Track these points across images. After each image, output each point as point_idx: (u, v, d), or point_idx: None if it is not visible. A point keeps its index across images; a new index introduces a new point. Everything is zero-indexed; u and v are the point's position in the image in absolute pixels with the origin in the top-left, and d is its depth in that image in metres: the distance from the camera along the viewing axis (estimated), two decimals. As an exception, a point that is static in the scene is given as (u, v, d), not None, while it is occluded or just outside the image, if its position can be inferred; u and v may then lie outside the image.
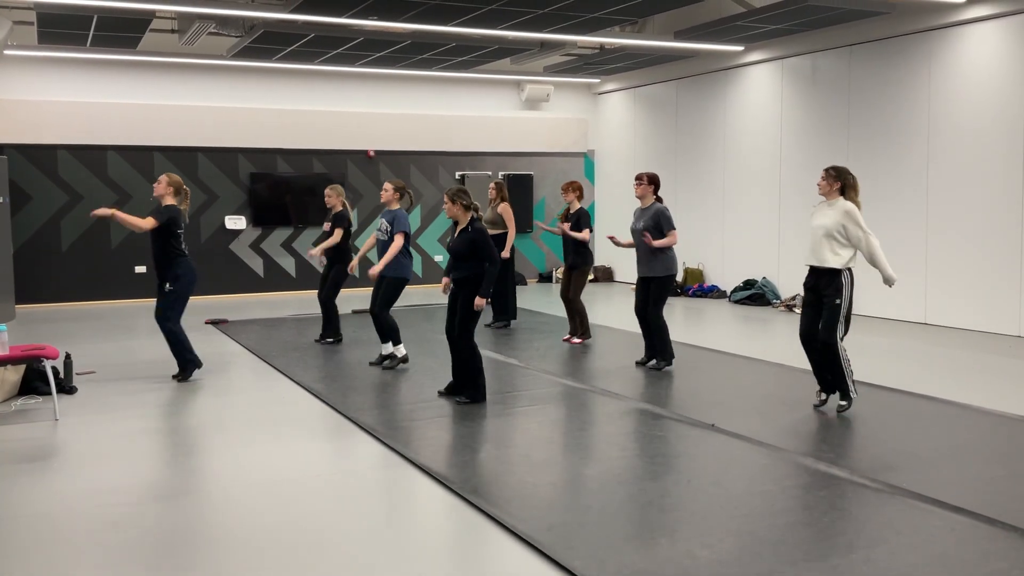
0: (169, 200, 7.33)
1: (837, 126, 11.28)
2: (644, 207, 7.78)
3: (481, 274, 6.36)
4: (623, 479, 4.82)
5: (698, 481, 4.76)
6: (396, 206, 8.03)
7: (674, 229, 7.63)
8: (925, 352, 8.65)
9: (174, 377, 7.50)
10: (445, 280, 6.77)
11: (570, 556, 3.76)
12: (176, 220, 7.26)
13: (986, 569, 3.62)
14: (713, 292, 13.16)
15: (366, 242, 8.79)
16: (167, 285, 7.31)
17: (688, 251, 13.77)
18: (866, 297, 10.93)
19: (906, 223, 10.39)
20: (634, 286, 7.86)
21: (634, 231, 7.76)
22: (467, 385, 6.57)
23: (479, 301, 6.34)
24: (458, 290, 6.50)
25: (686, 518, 4.21)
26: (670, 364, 7.74)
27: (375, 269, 7.68)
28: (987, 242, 9.55)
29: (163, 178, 7.39)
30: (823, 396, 6.30)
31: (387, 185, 8.09)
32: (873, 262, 6.07)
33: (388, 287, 7.85)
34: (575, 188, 9.05)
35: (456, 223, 6.64)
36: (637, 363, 7.90)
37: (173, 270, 7.28)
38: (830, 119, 11.37)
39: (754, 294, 12.27)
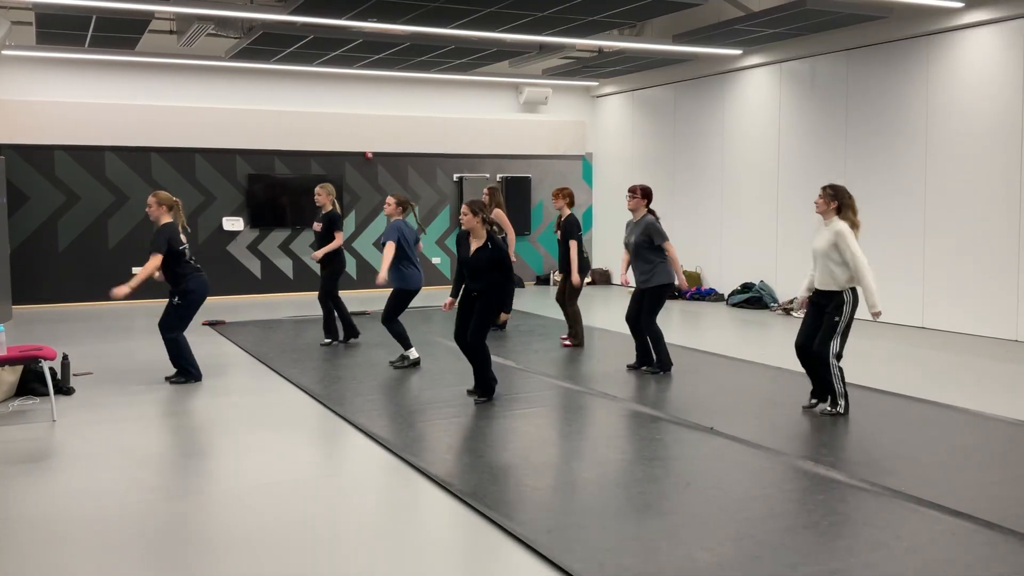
0: (165, 218, 7.29)
1: (835, 130, 11.29)
2: (636, 220, 7.72)
3: (496, 283, 6.47)
4: (622, 482, 4.82)
5: (697, 484, 4.75)
6: (397, 218, 8.11)
7: (667, 239, 7.60)
8: (923, 356, 8.66)
9: (167, 379, 7.47)
10: (449, 300, 6.81)
11: (570, 559, 3.76)
12: (174, 239, 7.21)
13: (986, 573, 3.62)
14: (711, 295, 13.17)
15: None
16: (175, 299, 7.31)
17: (686, 254, 13.78)
18: (863, 301, 10.94)
19: (904, 227, 10.41)
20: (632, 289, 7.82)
21: (627, 244, 7.72)
22: (479, 384, 6.68)
23: (504, 317, 6.41)
24: (475, 298, 6.56)
25: (685, 521, 4.21)
26: (668, 371, 7.72)
27: (379, 278, 7.88)
28: (984, 246, 9.56)
29: (151, 200, 7.32)
30: (814, 401, 6.33)
31: (389, 199, 8.16)
32: (860, 284, 6.04)
33: (393, 297, 7.98)
34: (565, 195, 9.03)
35: (467, 232, 6.59)
36: (628, 367, 7.90)
37: (184, 285, 7.27)
38: (828, 123, 11.38)
39: (752, 297, 12.28)
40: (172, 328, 7.33)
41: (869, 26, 10.49)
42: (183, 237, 7.34)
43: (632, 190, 7.74)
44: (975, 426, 5.99)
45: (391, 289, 8.05)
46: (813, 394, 6.35)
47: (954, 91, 9.83)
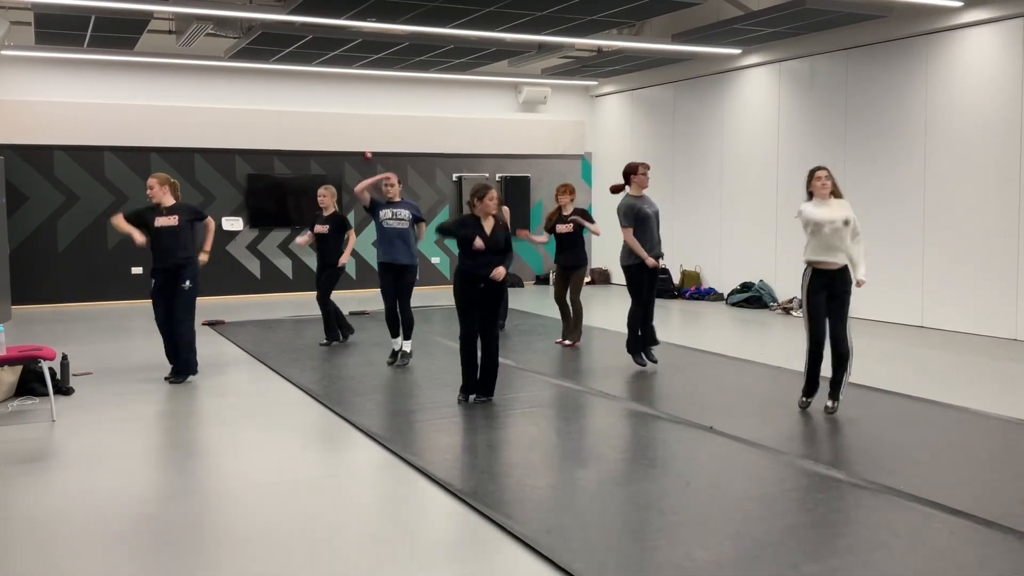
0: (168, 199, 7.29)
1: (834, 129, 11.29)
2: (639, 195, 7.81)
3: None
4: (622, 481, 4.82)
5: (697, 483, 4.75)
6: (399, 199, 8.13)
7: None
8: (922, 355, 8.66)
9: (167, 379, 7.45)
10: (500, 269, 6.52)
11: (570, 558, 3.76)
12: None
13: (985, 572, 3.62)
14: (710, 295, 13.17)
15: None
16: (187, 283, 7.23)
17: (685, 254, 13.80)
18: (862, 300, 10.95)
19: (903, 227, 10.41)
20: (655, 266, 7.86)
21: (653, 215, 7.78)
22: (485, 383, 6.63)
23: (501, 271, 6.45)
24: (486, 290, 6.50)
25: (685, 521, 4.21)
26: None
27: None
28: (983, 245, 9.57)
29: (152, 181, 7.29)
30: (807, 400, 6.34)
31: (393, 179, 8.12)
32: (859, 252, 6.09)
33: (410, 282, 8.08)
34: (571, 191, 9.06)
35: (476, 218, 6.54)
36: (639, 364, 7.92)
37: (192, 268, 7.23)
38: (827, 122, 11.39)
39: (751, 297, 12.28)
40: (183, 319, 7.30)
41: (868, 25, 10.49)
42: None
43: (647, 166, 7.87)
44: (974, 425, 5.99)
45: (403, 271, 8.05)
46: (807, 392, 6.34)
47: (953, 90, 9.83)
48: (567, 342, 9.06)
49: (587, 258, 9.05)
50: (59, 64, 12.46)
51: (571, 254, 8.94)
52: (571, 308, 9.03)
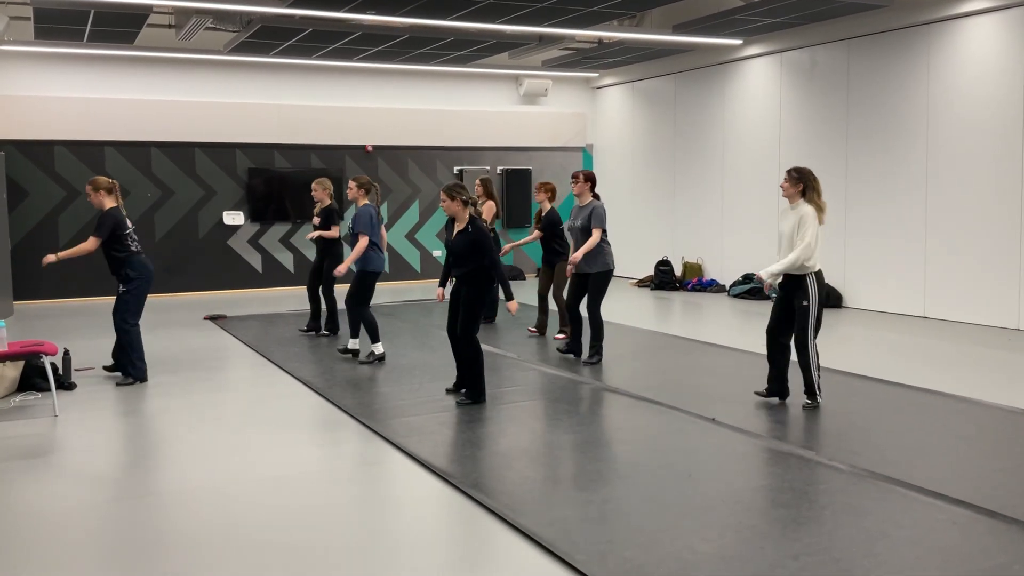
0: (109, 203, 7.17)
1: (836, 120, 11.26)
2: (582, 205, 7.90)
3: (481, 268, 6.26)
4: (623, 473, 4.82)
5: (698, 475, 4.75)
6: (364, 202, 8.16)
7: (600, 227, 7.69)
8: (924, 346, 8.65)
9: (118, 384, 7.20)
10: (440, 291, 6.66)
11: (572, 550, 3.75)
12: (119, 224, 7.07)
13: (987, 563, 3.62)
14: (712, 286, 13.15)
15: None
16: (120, 287, 7.18)
17: (687, 245, 13.78)
18: (864, 291, 10.94)
19: (905, 217, 10.39)
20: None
21: (571, 229, 7.97)
22: (468, 383, 6.47)
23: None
24: (460, 287, 6.40)
25: (687, 512, 4.21)
26: (599, 361, 7.77)
27: (341, 268, 8.22)
28: (986, 235, 9.54)
29: (88, 187, 7.20)
30: (768, 389, 6.34)
31: (351, 183, 8.26)
32: (785, 256, 6.03)
33: (355, 281, 8.01)
34: (547, 189, 9.12)
35: (452, 220, 6.54)
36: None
37: (124, 271, 7.13)
38: (829, 113, 11.35)
39: (753, 288, 12.27)
40: (124, 318, 7.19)
41: (870, 15, 10.45)
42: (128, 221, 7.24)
43: (575, 176, 7.98)
44: (977, 415, 5.98)
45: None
46: (770, 391, 6.34)
47: (955, 80, 9.79)
48: (557, 335, 9.02)
49: (564, 255, 8.97)
50: (59, 59, 12.45)
51: (546, 251, 9.08)
52: (556, 304, 9.03)
